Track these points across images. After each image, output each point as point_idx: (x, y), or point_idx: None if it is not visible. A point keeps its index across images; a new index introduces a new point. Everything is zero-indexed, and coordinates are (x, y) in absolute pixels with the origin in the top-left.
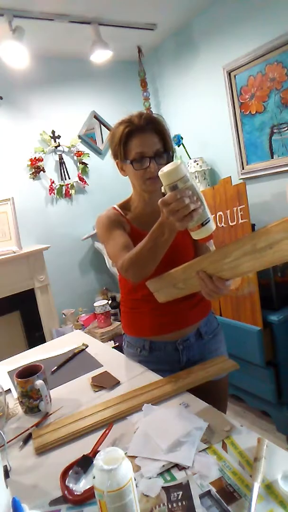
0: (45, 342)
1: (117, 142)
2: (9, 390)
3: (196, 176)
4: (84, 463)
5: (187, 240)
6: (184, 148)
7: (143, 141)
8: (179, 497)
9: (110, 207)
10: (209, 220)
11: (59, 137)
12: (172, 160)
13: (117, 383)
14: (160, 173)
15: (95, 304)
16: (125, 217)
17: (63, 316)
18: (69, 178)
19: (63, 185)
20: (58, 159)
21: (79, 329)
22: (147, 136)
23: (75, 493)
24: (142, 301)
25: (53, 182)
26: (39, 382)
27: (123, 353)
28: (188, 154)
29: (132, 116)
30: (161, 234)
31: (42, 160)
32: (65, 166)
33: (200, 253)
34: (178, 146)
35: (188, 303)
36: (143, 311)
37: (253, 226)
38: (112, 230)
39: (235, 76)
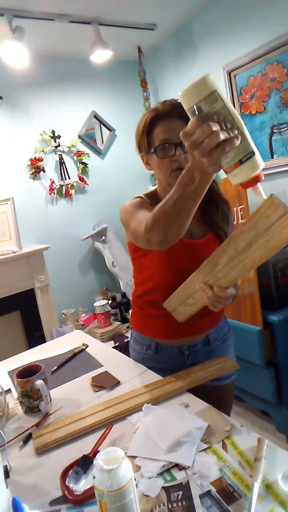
0: (45, 342)
1: (140, 132)
2: (9, 390)
3: None
4: (84, 463)
5: (212, 250)
6: None
7: (168, 127)
8: (179, 497)
9: (135, 196)
10: (253, 154)
11: (59, 137)
12: None
13: (117, 383)
14: (180, 93)
15: (95, 304)
16: (153, 206)
17: (63, 316)
18: (69, 178)
19: (63, 185)
20: (58, 159)
21: (79, 329)
22: (172, 122)
23: (75, 493)
24: (153, 304)
25: (53, 182)
26: (39, 382)
27: (123, 352)
28: None
29: (156, 104)
30: (190, 181)
31: (42, 160)
32: (65, 166)
33: None
34: None
35: (200, 312)
36: (153, 314)
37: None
38: (137, 210)
39: (235, 76)
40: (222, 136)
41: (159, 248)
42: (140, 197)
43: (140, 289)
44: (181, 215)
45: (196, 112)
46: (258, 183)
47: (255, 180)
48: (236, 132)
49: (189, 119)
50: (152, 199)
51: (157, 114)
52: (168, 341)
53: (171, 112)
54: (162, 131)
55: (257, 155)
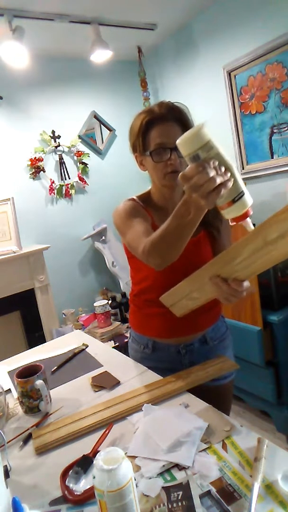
0: (45, 342)
1: (135, 133)
2: (9, 390)
3: None
4: (84, 463)
5: (204, 248)
6: None
7: (164, 131)
8: (179, 497)
9: (128, 198)
10: (243, 194)
11: (59, 137)
12: None
13: (117, 383)
14: (178, 141)
15: (95, 304)
16: (147, 209)
17: (63, 316)
18: (69, 178)
19: (63, 185)
20: (58, 159)
21: (79, 329)
22: (168, 125)
23: (75, 493)
24: (149, 303)
25: (53, 182)
26: (39, 382)
27: (123, 352)
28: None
29: (153, 105)
30: (186, 213)
31: (42, 160)
32: (65, 166)
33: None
34: None
35: (197, 310)
36: (150, 313)
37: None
38: (131, 218)
39: (235, 76)
40: (218, 180)
41: (156, 269)
42: (133, 199)
43: (137, 288)
44: (178, 243)
45: (195, 159)
46: (247, 218)
47: (245, 215)
48: (229, 175)
49: (184, 124)
50: (145, 201)
51: (153, 117)
52: (165, 340)
53: (167, 115)
54: (158, 134)
55: (247, 194)
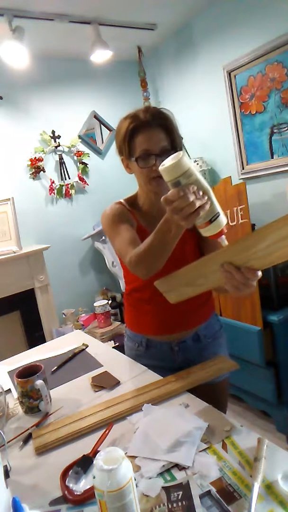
0: (45, 342)
1: (121, 138)
2: (9, 390)
3: None
4: (84, 463)
5: (189, 247)
6: (184, 148)
7: (149, 137)
8: (179, 497)
9: (116, 202)
10: (218, 215)
11: (59, 137)
12: None
13: (117, 383)
14: (160, 168)
15: (95, 304)
16: (132, 213)
17: (63, 316)
18: (69, 178)
19: (63, 185)
20: (58, 159)
21: (79, 329)
22: (153, 132)
23: (75, 493)
24: (141, 301)
25: (53, 182)
26: (39, 382)
27: (123, 352)
28: (188, 154)
29: (138, 110)
30: (168, 230)
31: (42, 160)
32: (65, 166)
33: (212, 249)
34: None
35: (189, 306)
36: (143, 310)
37: (253, 226)
38: (118, 225)
39: (235, 76)
40: (197, 204)
41: (143, 279)
42: (120, 202)
43: (129, 287)
44: (161, 256)
45: (176, 184)
46: (223, 235)
47: (221, 233)
48: (207, 198)
49: (169, 130)
50: (132, 204)
51: (138, 123)
52: (158, 337)
53: (152, 122)
54: (143, 140)
55: (222, 215)
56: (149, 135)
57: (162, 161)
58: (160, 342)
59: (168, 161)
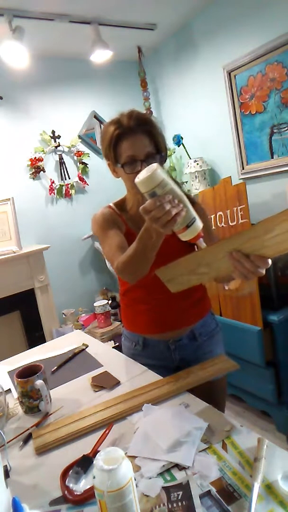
0: (45, 342)
1: (107, 145)
2: (9, 390)
3: (196, 176)
4: (84, 463)
5: (177, 242)
6: (184, 148)
7: (133, 143)
8: (179, 497)
9: (105, 206)
10: (194, 220)
11: (59, 137)
12: (165, 161)
13: (117, 383)
14: (136, 180)
15: (95, 304)
16: (121, 216)
17: (63, 316)
18: (69, 178)
19: (63, 185)
20: (58, 159)
21: (79, 329)
22: (137, 138)
23: (75, 493)
24: (136, 301)
25: (53, 182)
26: (39, 382)
27: (122, 349)
28: (188, 154)
29: (122, 115)
30: (149, 237)
31: (42, 160)
32: (65, 166)
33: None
34: (178, 146)
35: (184, 304)
36: (139, 310)
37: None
38: (107, 230)
39: (235, 76)
40: (174, 212)
41: (130, 283)
42: (109, 206)
43: (124, 288)
44: (144, 261)
45: (152, 195)
46: (201, 238)
47: (198, 237)
48: (182, 205)
49: (152, 136)
50: (120, 207)
51: (122, 130)
52: (154, 336)
53: (136, 128)
54: (128, 147)
55: (197, 220)
56: (134, 141)
57: (148, 165)
58: (157, 341)
59: (143, 174)
